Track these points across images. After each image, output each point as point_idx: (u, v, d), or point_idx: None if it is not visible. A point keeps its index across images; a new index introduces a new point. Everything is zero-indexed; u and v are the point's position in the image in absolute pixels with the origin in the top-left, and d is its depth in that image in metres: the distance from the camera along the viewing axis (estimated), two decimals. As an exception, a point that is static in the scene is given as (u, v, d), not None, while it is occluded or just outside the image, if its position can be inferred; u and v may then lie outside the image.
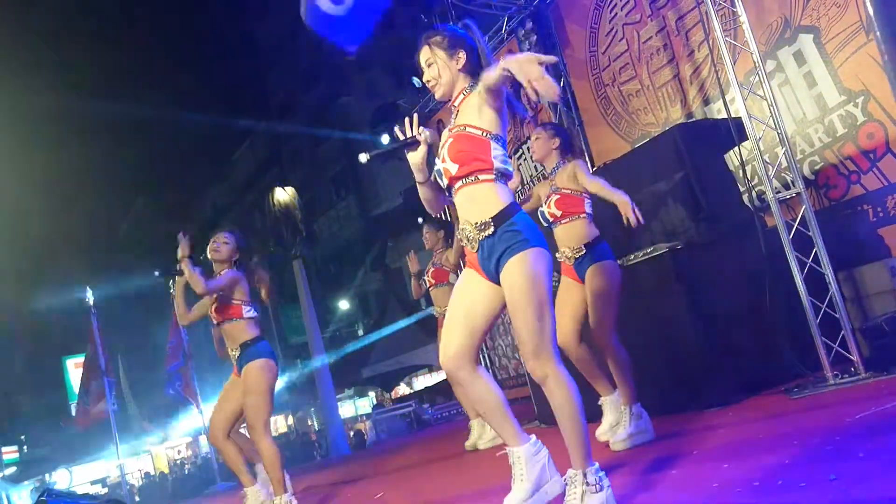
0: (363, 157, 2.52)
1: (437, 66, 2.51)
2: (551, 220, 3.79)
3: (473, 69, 2.51)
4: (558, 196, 3.76)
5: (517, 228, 2.35)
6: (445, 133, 2.60)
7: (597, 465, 2.29)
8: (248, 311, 4.45)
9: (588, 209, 3.74)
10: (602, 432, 3.73)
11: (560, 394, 2.28)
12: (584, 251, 3.67)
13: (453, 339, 2.42)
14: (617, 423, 3.70)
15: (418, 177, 2.58)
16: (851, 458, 2.24)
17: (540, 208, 3.85)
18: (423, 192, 2.63)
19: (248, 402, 4.28)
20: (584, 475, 2.24)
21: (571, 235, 3.72)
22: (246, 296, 4.46)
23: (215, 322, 4.49)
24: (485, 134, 2.42)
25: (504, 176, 2.43)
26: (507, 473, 2.41)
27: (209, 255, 4.59)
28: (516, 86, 2.23)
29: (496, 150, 2.42)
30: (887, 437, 2.44)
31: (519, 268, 2.31)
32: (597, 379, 3.76)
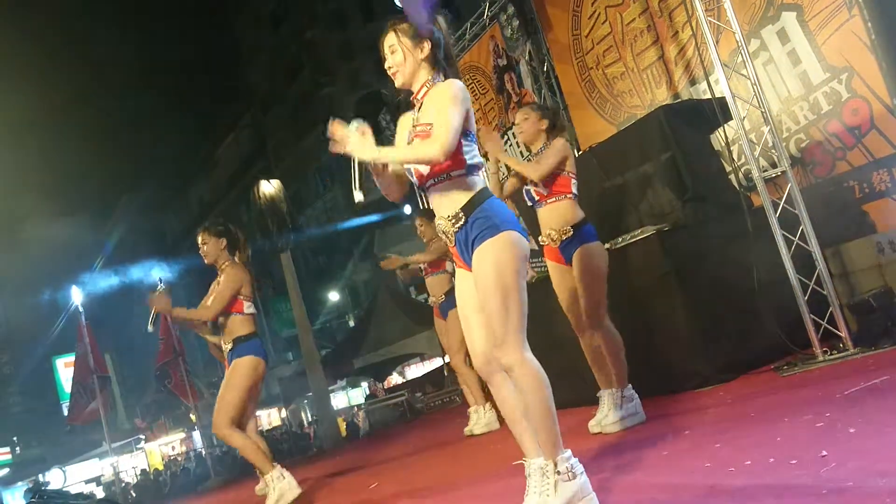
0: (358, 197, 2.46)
1: (400, 52, 2.45)
2: (537, 198, 3.70)
3: (437, 62, 2.46)
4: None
5: (487, 214, 2.31)
6: (406, 124, 2.52)
7: (568, 451, 2.23)
8: (249, 308, 4.52)
9: (574, 189, 3.66)
10: (595, 423, 3.68)
11: (528, 382, 2.22)
12: (572, 232, 3.60)
13: (477, 344, 2.39)
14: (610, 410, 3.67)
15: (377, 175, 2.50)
16: (842, 434, 2.24)
17: (525, 186, 3.76)
18: (381, 183, 2.52)
19: (225, 395, 4.36)
20: (556, 464, 2.20)
21: (557, 216, 3.64)
22: (249, 292, 4.52)
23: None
24: None
25: (476, 168, 2.39)
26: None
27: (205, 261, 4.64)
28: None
29: (466, 146, 2.36)
30: (877, 411, 2.45)
31: (485, 254, 2.28)
32: (601, 370, 3.70)
